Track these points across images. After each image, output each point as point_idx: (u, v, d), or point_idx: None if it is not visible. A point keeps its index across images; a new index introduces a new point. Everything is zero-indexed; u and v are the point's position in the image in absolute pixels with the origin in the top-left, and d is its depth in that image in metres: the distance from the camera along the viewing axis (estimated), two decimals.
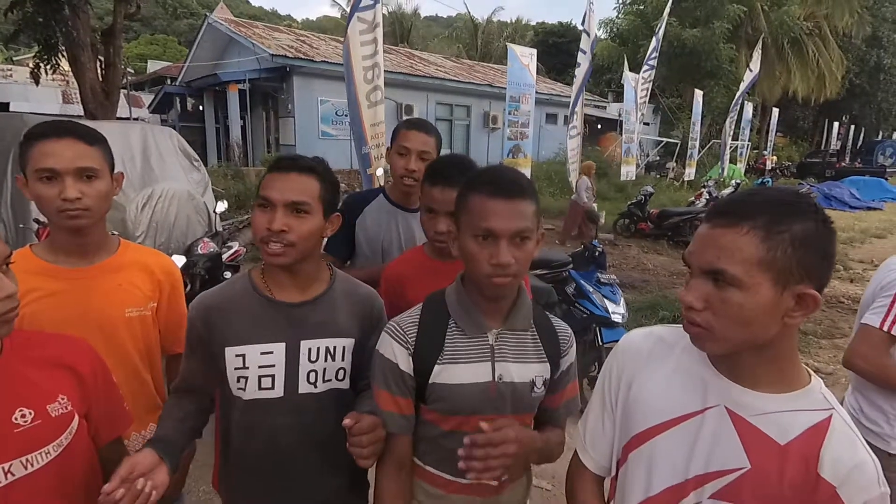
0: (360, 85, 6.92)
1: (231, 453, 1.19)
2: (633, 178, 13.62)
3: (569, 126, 10.70)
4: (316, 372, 1.16)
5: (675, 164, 17.69)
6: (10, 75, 18.13)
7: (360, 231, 1.86)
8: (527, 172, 10.23)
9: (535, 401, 1.11)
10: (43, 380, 0.92)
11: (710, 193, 10.04)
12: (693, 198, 10.75)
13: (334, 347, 1.17)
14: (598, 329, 3.35)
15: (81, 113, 9.08)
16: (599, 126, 19.27)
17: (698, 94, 15.71)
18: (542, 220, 1.06)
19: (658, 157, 19.29)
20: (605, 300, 3.38)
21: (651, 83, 14.04)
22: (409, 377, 1.06)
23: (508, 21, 28.57)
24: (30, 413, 0.87)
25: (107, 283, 1.29)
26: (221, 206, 4.86)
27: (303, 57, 12.03)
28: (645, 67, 13.56)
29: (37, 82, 10.49)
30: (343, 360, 1.19)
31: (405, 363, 1.06)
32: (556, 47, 29.09)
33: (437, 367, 1.04)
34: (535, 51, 10.46)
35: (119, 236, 1.43)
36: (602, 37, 22.45)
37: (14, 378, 0.89)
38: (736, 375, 0.83)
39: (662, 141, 19.05)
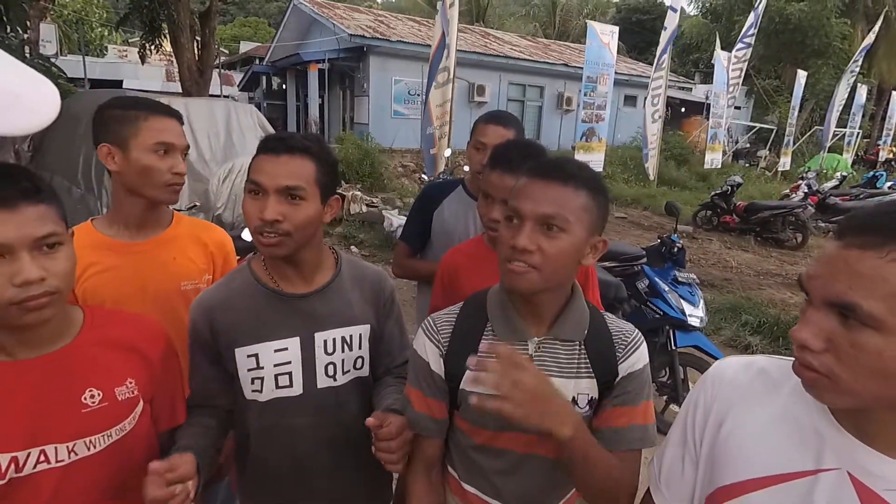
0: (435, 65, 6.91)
1: (249, 460, 1.12)
2: (719, 166, 12.65)
3: (646, 108, 10.08)
4: (334, 364, 1.10)
5: (767, 153, 16.20)
6: (125, 56, 20.04)
7: (437, 223, 1.84)
8: (600, 157, 9.82)
9: None
10: (114, 362, 0.91)
11: (809, 186, 9.06)
12: (788, 190, 9.77)
13: (350, 336, 1.11)
14: (671, 331, 3.11)
15: (180, 90, 9.80)
16: (683, 109, 17.98)
17: (801, 74, 14.21)
18: (596, 221, 0.90)
19: (748, 145, 17.74)
20: (682, 301, 3.12)
21: (746, 63, 12.86)
22: (441, 379, 0.98)
23: None
24: (98, 394, 0.87)
25: (162, 257, 1.30)
26: None
27: (379, 37, 12.15)
28: (739, 45, 12.44)
29: (143, 61, 11.46)
30: (360, 348, 1.13)
31: (436, 364, 0.98)
32: (639, 24, 27.31)
33: (468, 373, 0.92)
34: (616, 28, 9.89)
35: (188, 209, 1.46)
36: (692, 12, 20.80)
37: (88, 357, 0.88)
38: (865, 434, 0.65)
39: (755, 127, 17.47)
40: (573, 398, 0.93)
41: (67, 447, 0.83)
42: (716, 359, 3.04)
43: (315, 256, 1.10)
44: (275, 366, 1.06)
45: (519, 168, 1.02)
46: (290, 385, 1.08)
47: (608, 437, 0.94)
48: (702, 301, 3.23)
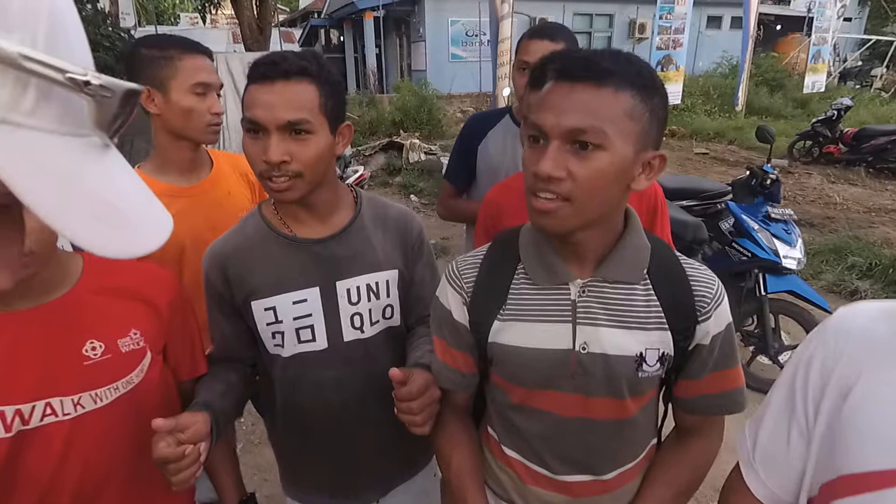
0: None
1: (277, 409, 1.06)
2: (822, 89, 11.07)
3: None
4: (361, 315, 1.00)
5: (885, 71, 13.93)
6: (196, 23, 21.20)
7: (482, 157, 1.68)
8: (678, 88, 8.86)
9: (644, 382, 0.79)
10: (116, 311, 0.85)
11: None
12: None
13: (376, 283, 1.00)
14: (760, 275, 2.76)
15: (243, 50, 9.98)
16: (779, 27, 15.75)
17: None
18: (647, 130, 0.69)
19: (860, 63, 15.31)
20: (775, 240, 2.74)
21: None
22: (465, 330, 0.85)
23: None
24: (100, 346, 0.82)
25: (218, 194, 1.36)
26: None
27: None
28: None
29: (203, 21, 11.74)
30: (388, 295, 1.02)
31: (459, 313, 0.85)
32: None
33: (496, 324, 0.81)
34: None
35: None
36: None
37: (87, 307, 0.82)
38: None
39: (870, 40, 14.98)
40: (640, 354, 0.76)
41: (73, 400, 0.79)
42: (815, 305, 2.70)
43: (330, 196, 0.98)
44: (294, 319, 0.97)
45: None
46: (313, 339, 0.99)
47: (700, 405, 0.84)
48: (800, 240, 2.83)
